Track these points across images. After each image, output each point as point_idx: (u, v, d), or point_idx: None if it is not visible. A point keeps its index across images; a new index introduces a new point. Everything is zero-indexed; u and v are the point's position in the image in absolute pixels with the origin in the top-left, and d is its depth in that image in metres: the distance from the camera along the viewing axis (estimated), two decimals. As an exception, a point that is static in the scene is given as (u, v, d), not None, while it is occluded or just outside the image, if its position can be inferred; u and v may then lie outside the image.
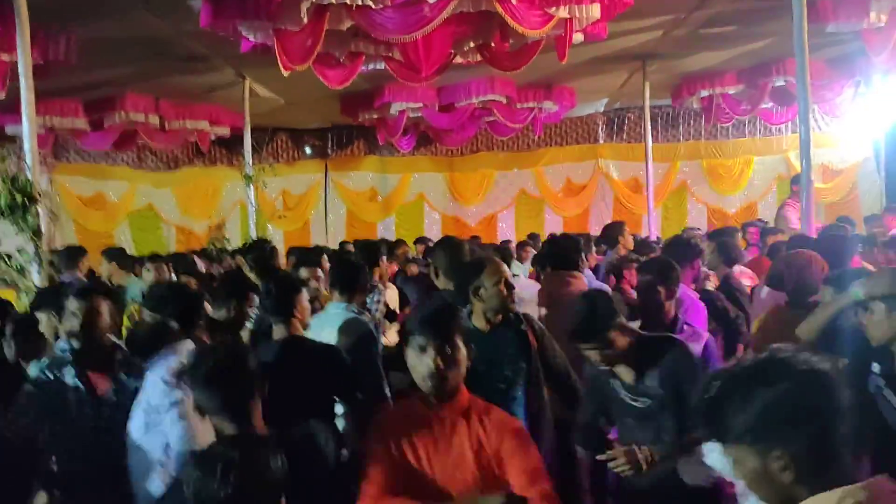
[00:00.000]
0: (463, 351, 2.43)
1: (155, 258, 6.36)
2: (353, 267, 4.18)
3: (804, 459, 1.37)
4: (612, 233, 6.32)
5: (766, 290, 4.52)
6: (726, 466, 1.45)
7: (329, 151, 14.87)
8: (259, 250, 5.63)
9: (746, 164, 14.52)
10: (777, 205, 10.51)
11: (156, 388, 2.92)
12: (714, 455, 1.46)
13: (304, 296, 3.57)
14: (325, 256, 5.73)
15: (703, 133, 14.60)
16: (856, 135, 13.57)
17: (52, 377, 3.06)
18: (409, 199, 15.07)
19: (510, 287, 3.32)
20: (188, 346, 3.09)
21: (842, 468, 1.39)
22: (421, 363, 2.38)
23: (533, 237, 10.58)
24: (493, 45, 7.61)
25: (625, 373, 2.89)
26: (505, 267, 3.40)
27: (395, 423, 2.45)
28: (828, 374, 1.41)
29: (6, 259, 5.55)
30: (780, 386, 1.39)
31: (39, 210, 5.53)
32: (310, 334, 3.62)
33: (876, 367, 2.88)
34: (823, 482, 1.36)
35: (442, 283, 3.97)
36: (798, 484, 1.38)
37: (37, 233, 5.50)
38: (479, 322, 3.29)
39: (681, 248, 4.73)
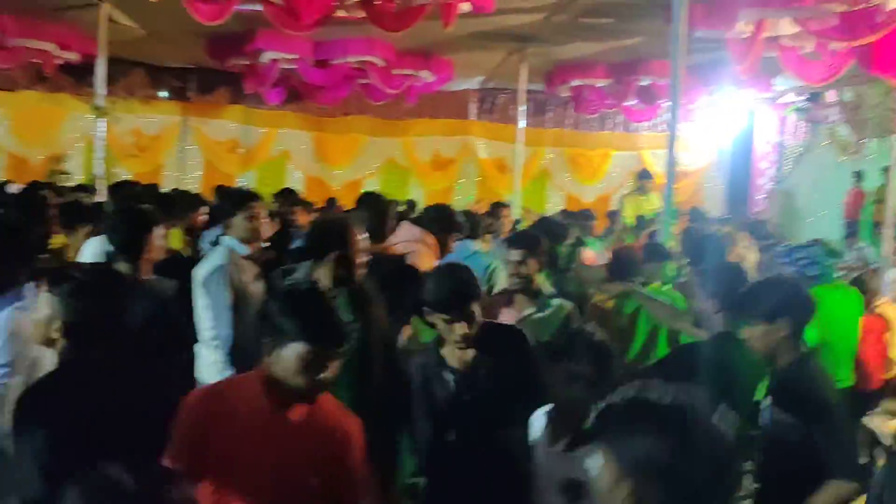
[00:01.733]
0: None
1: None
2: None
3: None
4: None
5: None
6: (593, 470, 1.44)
7: (189, 94, 14.00)
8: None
9: (605, 156, 15.17)
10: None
11: None
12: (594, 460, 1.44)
13: (157, 234, 3.33)
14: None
15: (568, 122, 15.10)
16: (704, 140, 14.51)
17: None
18: (272, 155, 14.53)
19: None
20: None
21: None
22: None
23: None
24: (378, 1, 7.40)
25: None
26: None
27: None
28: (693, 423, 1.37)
29: None
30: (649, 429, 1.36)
31: None
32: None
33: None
34: None
35: None
36: None
37: None
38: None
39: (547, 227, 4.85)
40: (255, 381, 2.20)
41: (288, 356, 2.10)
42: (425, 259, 4.33)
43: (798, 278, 3.36)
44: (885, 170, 12.27)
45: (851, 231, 11.80)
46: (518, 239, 3.99)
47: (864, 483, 2.43)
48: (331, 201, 11.27)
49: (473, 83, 14.00)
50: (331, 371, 2.13)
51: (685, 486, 1.31)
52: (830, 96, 12.54)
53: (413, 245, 4.43)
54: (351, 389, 2.80)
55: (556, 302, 3.81)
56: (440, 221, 4.86)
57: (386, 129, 14.72)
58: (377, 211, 4.04)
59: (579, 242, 7.08)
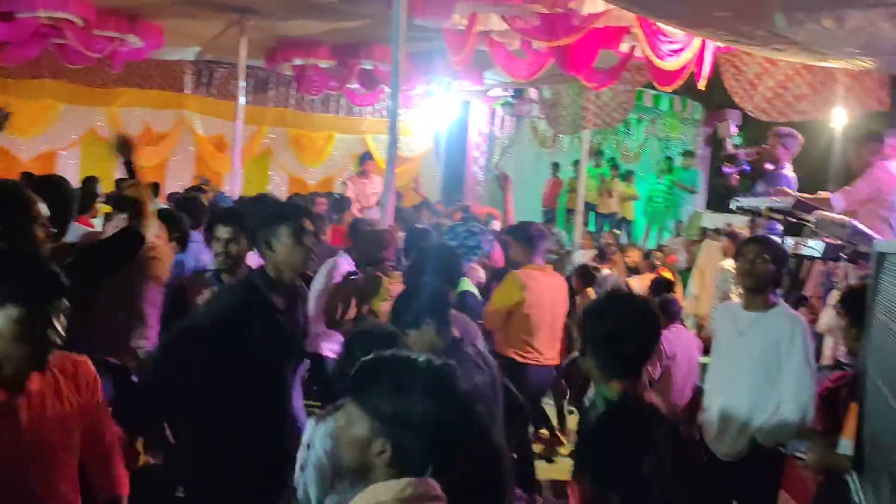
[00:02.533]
0: None
1: None
2: None
3: (403, 460, 1.47)
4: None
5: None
6: (338, 420, 1.57)
7: None
8: None
9: (329, 139, 15.12)
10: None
11: None
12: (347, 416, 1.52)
13: None
14: None
15: (291, 102, 14.80)
16: (424, 127, 15.11)
17: None
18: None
19: None
20: None
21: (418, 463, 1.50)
22: None
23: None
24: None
25: None
26: None
27: None
28: (445, 377, 1.53)
29: None
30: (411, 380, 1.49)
31: None
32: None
33: None
34: (406, 473, 1.48)
35: None
36: (387, 468, 1.48)
37: None
38: None
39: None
40: None
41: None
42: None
43: (437, 285, 3.54)
44: (577, 163, 13.82)
45: (549, 218, 13.08)
46: (227, 216, 3.76)
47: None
48: (26, 176, 9.85)
49: (189, 54, 13.07)
50: (58, 331, 1.97)
51: (435, 437, 1.46)
52: (533, 93, 13.70)
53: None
54: None
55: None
56: None
57: (86, 96, 13.23)
58: (58, 198, 3.48)
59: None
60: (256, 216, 3.01)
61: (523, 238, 4.81)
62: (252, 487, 2.66)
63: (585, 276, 6.88)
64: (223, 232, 3.63)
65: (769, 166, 5.75)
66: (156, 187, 9.92)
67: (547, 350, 4.76)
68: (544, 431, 6.07)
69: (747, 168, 5.93)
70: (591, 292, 6.59)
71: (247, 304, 2.77)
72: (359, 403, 1.49)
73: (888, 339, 1.88)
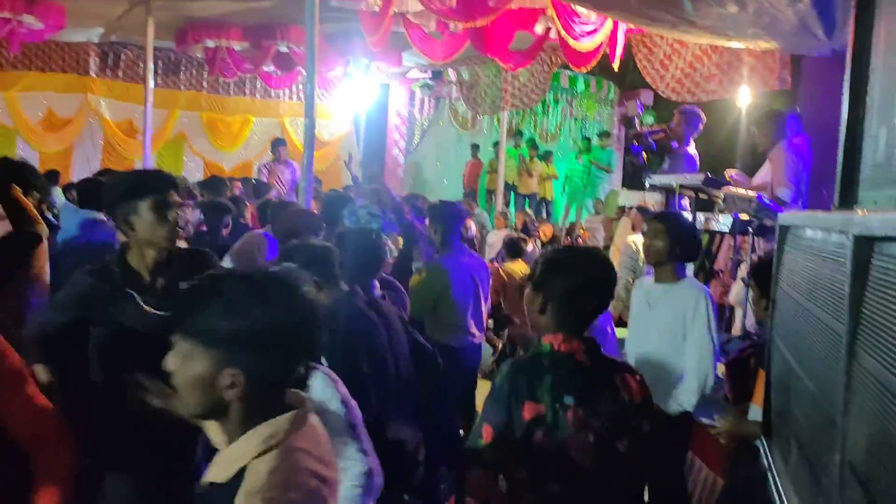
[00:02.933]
0: None
1: None
2: None
3: (257, 386, 1.32)
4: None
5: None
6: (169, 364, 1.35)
7: None
8: None
9: (245, 123, 14.75)
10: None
11: None
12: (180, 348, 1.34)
13: None
14: None
15: (205, 85, 14.35)
16: (342, 110, 14.91)
17: None
18: None
19: None
20: None
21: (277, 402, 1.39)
22: None
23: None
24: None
25: None
26: None
27: None
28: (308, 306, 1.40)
29: None
30: (263, 305, 1.32)
31: None
32: None
33: None
34: (263, 413, 1.35)
35: None
36: (239, 403, 1.33)
37: None
38: None
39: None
40: None
41: None
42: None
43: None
44: (496, 144, 13.93)
45: (470, 199, 13.13)
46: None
47: None
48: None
49: (92, 35, 12.48)
50: None
51: (287, 349, 1.35)
52: (452, 74, 13.70)
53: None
54: None
55: None
56: None
57: (-19, 81, 12.51)
58: None
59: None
60: (112, 192, 2.59)
61: (442, 219, 4.81)
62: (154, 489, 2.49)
63: (514, 248, 7.09)
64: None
65: (675, 144, 5.90)
66: (55, 175, 9.48)
67: (476, 330, 4.80)
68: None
69: (653, 146, 6.07)
70: (522, 262, 6.82)
71: (92, 295, 2.50)
72: (190, 335, 1.32)
73: (790, 308, 1.96)
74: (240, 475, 1.30)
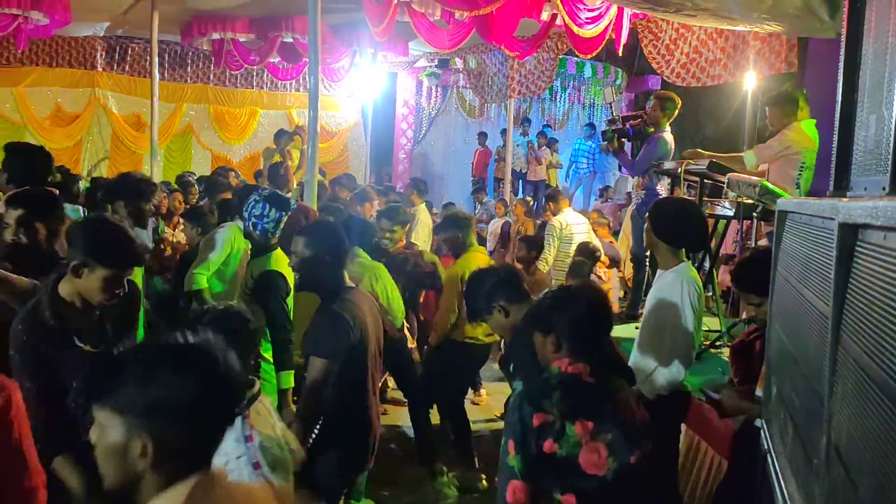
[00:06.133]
0: None
1: None
2: None
3: (168, 454, 1.33)
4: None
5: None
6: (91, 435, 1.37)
7: None
8: None
9: (253, 115, 14.79)
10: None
11: None
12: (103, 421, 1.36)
13: None
14: None
15: (212, 78, 14.40)
16: (349, 100, 14.91)
17: None
18: None
19: None
20: None
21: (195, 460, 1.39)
22: None
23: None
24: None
25: None
26: None
27: None
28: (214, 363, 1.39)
29: None
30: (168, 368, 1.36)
31: None
32: None
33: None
34: (176, 471, 1.35)
35: None
36: (151, 473, 1.34)
37: None
38: None
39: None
40: None
41: None
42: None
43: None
44: (504, 132, 13.91)
45: (478, 187, 13.12)
46: None
47: None
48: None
49: (98, 29, 12.53)
50: None
51: (198, 417, 1.35)
52: (459, 62, 13.67)
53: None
54: None
55: None
56: None
57: (-11, 77, 12.60)
58: None
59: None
60: (86, 237, 2.56)
61: (455, 228, 4.90)
62: None
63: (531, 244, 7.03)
64: None
65: (651, 129, 5.87)
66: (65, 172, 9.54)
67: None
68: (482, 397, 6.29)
69: (630, 131, 6.03)
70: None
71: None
72: (106, 404, 1.34)
73: (787, 292, 1.98)
74: None
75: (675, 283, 3.24)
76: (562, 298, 2.47)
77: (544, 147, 13.85)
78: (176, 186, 7.74)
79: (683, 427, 3.87)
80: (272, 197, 3.94)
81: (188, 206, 6.56)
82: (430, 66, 14.50)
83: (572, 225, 7.20)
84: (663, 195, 5.80)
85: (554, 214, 7.38)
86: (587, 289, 2.61)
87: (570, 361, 2.29)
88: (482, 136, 15.04)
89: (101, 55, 13.40)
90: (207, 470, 1.40)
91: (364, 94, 13.96)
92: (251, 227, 3.89)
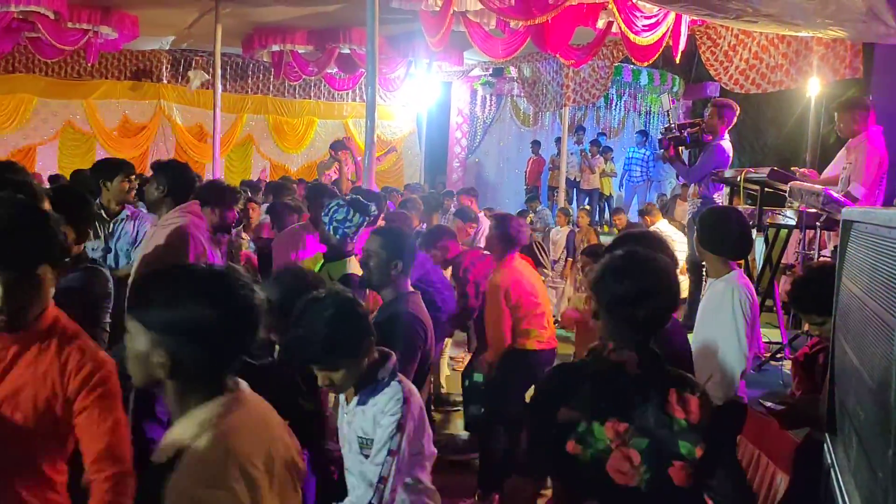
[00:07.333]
0: None
1: None
2: None
3: (185, 369, 1.45)
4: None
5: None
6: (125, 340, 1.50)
7: None
8: None
9: (310, 125, 15.08)
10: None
11: None
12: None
13: None
14: None
15: (271, 89, 14.73)
16: (404, 109, 15.06)
17: None
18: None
19: None
20: None
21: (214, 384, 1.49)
22: None
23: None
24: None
25: None
26: None
27: None
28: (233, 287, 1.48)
29: None
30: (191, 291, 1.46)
31: None
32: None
33: None
34: (196, 395, 1.47)
35: None
36: (170, 381, 1.46)
37: None
38: None
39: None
40: None
41: None
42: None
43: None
44: (558, 140, 13.85)
45: (532, 196, 13.08)
46: None
47: None
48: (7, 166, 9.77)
49: (164, 43, 12.97)
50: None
51: (212, 341, 1.45)
52: (513, 71, 13.69)
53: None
54: None
55: None
56: None
57: (62, 89, 13.15)
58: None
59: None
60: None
61: (502, 234, 4.72)
62: None
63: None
64: None
65: (709, 137, 5.76)
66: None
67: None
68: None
69: (687, 139, 5.93)
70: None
71: None
72: (136, 317, 1.48)
73: (853, 303, 1.94)
74: (177, 457, 1.42)
75: (725, 292, 3.18)
76: (616, 266, 1.98)
77: (597, 155, 13.75)
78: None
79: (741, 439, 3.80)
80: (355, 202, 3.89)
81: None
82: (485, 76, 14.55)
83: (668, 235, 7.27)
84: (720, 204, 5.71)
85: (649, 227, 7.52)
86: (650, 263, 2.00)
87: (615, 347, 1.92)
88: (535, 144, 15.01)
89: (167, 68, 13.84)
90: (236, 388, 1.52)
91: (419, 104, 14.10)
92: (331, 231, 3.82)
